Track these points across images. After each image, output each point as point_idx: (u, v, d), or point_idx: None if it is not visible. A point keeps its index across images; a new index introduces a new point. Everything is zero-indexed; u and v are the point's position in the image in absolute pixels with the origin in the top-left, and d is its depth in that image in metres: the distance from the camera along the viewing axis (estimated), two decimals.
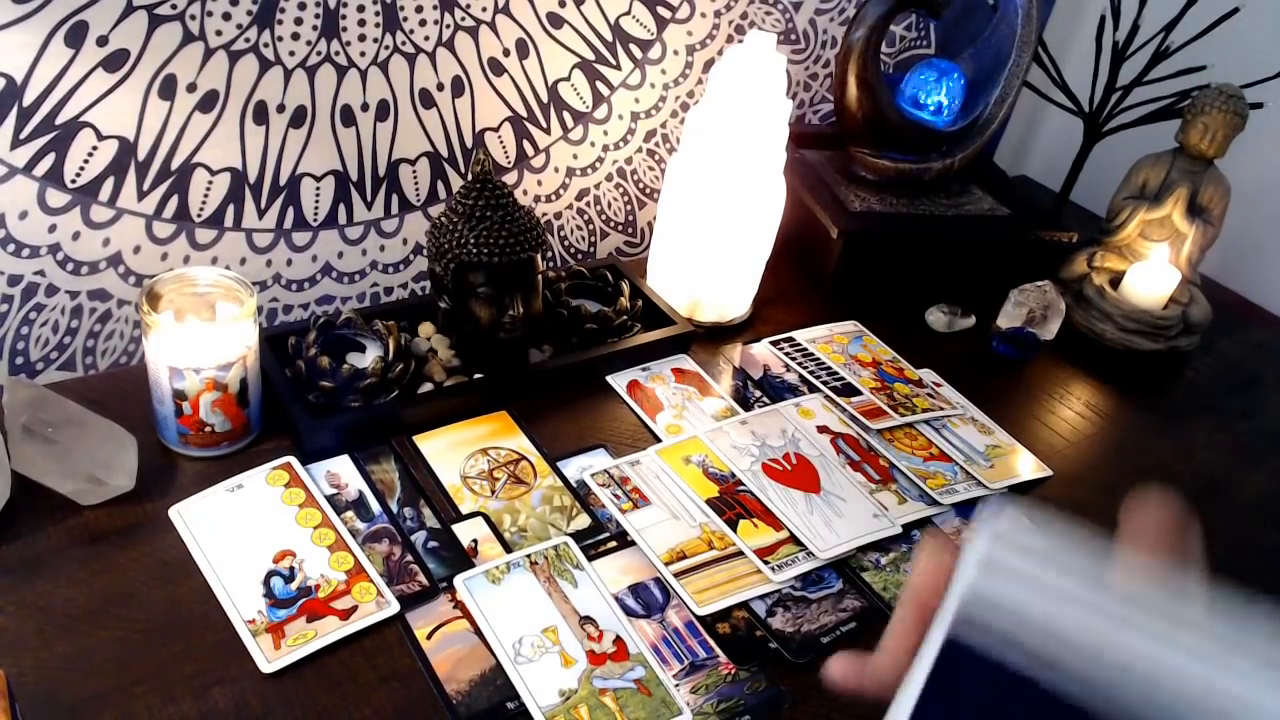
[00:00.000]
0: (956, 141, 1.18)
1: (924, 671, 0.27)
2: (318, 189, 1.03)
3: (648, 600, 0.77)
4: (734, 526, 0.83)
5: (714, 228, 1.01)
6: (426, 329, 0.96)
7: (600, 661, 0.71)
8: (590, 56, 1.12)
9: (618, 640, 0.73)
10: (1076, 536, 0.28)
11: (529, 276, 0.88)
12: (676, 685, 0.71)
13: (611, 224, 1.26)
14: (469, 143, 1.10)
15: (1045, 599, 0.26)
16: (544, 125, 1.14)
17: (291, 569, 0.74)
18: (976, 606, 0.27)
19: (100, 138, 0.89)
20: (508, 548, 0.79)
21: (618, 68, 1.15)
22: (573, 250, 1.25)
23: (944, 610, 0.27)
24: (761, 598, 0.78)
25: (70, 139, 0.88)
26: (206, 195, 0.97)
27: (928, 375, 1.06)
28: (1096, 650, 0.26)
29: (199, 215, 0.98)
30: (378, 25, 0.97)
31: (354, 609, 0.72)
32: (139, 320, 0.88)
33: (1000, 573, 0.27)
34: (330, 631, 0.70)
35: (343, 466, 0.83)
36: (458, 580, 0.75)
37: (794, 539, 0.83)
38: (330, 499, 0.80)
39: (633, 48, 1.14)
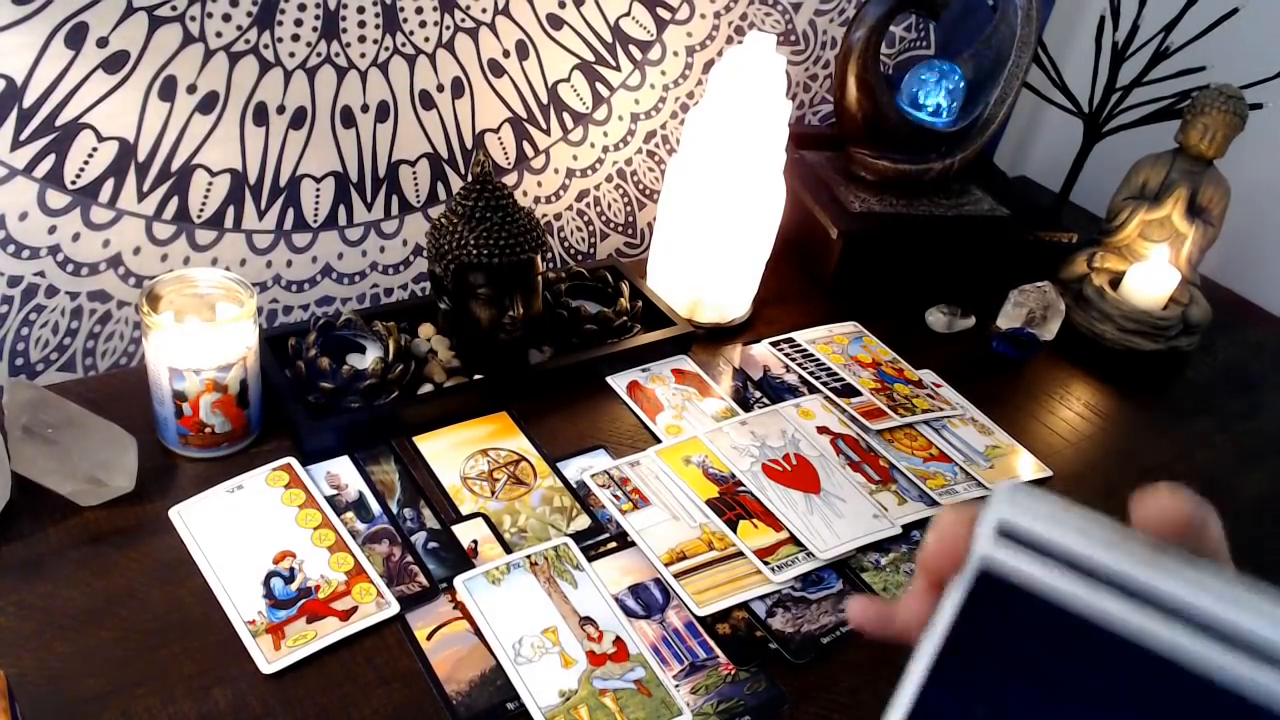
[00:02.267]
0: (956, 142, 1.18)
1: (954, 606, 0.27)
2: (318, 190, 1.03)
3: (648, 601, 0.77)
4: (734, 527, 0.83)
5: (714, 228, 1.01)
6: (426, 330, 0.96)
7: (600, 662, 0.71)
8: (590, 58, 1.12)
9: (618, 641, 0.73)
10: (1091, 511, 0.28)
11: (529, 277, 0.88)
12: (676, 686, 0.71)
13: (611, 225, 1.26)
14: (469, 144, 1.10)
15: (1072, 539, 0.26)
16: (544, 126, 1.14)
17: (291, 570, 0.74)
18: (1005, 543, 0.26)
19: (100, 139, 0.89)
20: (508, 548, 0.79)
21: (617, 69, 1.15)
22: (572, 251, 1.25)
23: (972, 551, 0.27)
24: (761, 598, 0.78)
25: (70, 140, 0.88)
26: (206, 196, 0.97)
27: (928, 376, 1.06)
28: (1131, 580, 0.26)
29: (199, 216, 0.98)
30: (378, 27, 0.97)
31: (354, 610, 0.72)
32: (139, 321, 0.88)
33: (1025, 517, 0.27)
34: (330, 632, 0.70)
35: (343, 467, 0.83)
36: (458, 581, 0.75)
37: (794, 539, 0.83)
38: (330, 500, 0.80)
39: (632, 49, 1.15)
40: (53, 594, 0.70)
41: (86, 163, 0.90)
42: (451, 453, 0.87)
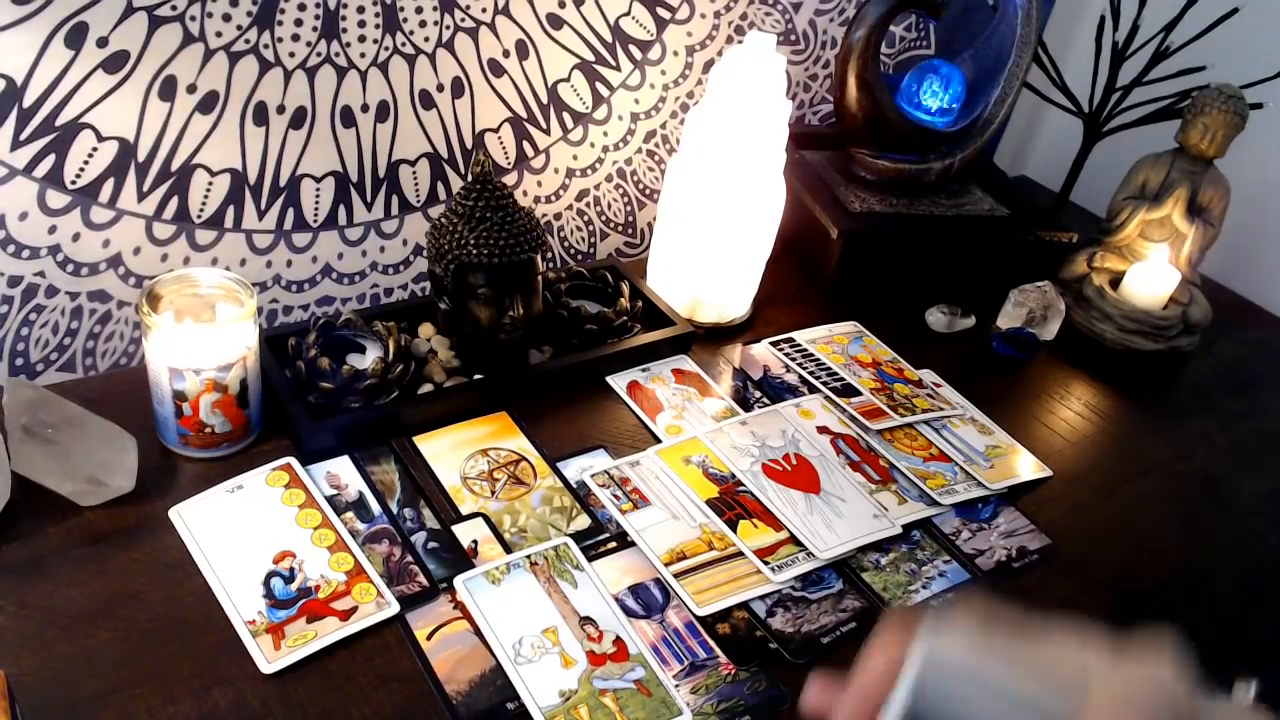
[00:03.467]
0: (956, 142, 1.18)
1: None
2: (318, 190, 1.03)
3: (648, 601, 0.77)
4: (734, 527, 0.83)
5: (714, 228, 1.01)
6: (427, 330, 0.96)
7: (600, 662, 0.71)
8: (590, 57, 1.12)
9: (618, 641, 0.73)
10: (1006, 640, 0.29)
11: (529, 277, 0.88)
12: (676, 685, 0.71)
13: (611, 225, 1.26)
14: (469, 144, 1.10)
15: (985, 692, 0.28)
16: (544, 126, 1.14)
17: (291, 570, 0.74)
18: (929, 684, 0.29)
19: (100, 139, 0.89)
20: (508, 548, 0.79)
21: (617, 68, 1.15)
22: (573, 251, 1.25)
23: (898, 690, 0.29)
24: (761, 598, 0.78)
25: (70, 140, 0.88)
26: (206, 196, 0.97)
27: (928, 375, 1.06)
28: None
29: (199, 216, 0.98)
30: (378, 26, 0.97)
31: (354, 610, 0.72)
32: (139, 321, 0.88)
33: (945, 663, 0.29)
34: (330, 632, 0.70)
35: (343, 467, 0.83)
36: (458, 581, 0.75)
37: (794, 539, 0.83)
38: (330, 500, 0.80)
39: (632, 48, 1.15)
40: (53, 594, 0.70)
41: (86, 163, 0.90)
42: (451, 453, 0.87)
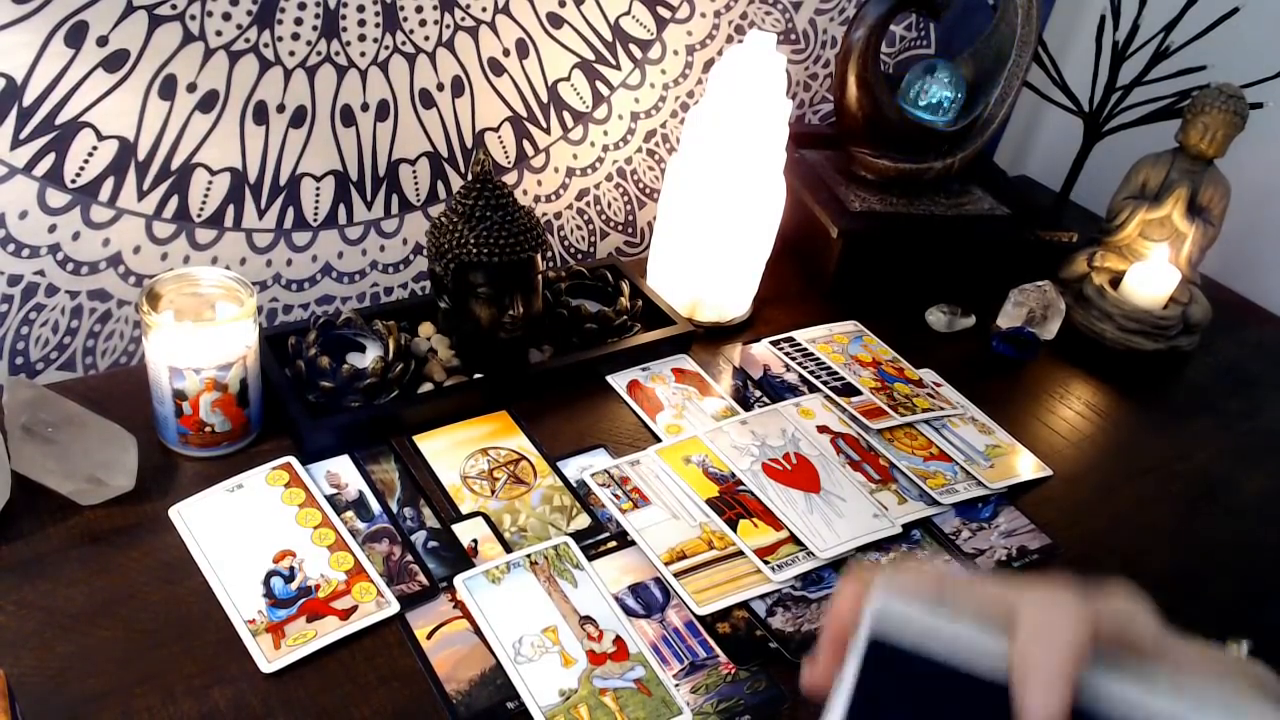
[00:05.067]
0: (956, 141, 1.18)
1: (852, 670, 0.30)
2: (318, 189, 1.03)
3: (648, 600, 0.77)
4: (734, 526, 0.83)
5: (714, 228, 1.01)
6: (426, 329, 0.96)
7: (600, 661, 0.71)
8: (590, 56, 1.12)
9: (618, 640, 0.73)
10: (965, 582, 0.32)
11: (529, 276, 0.88)
12: (676, 685, 0.71)
13: (611, 224, 1.26)
14: (469, 143, 1.10)
15: (940, 618, 0.30)
16: (544, 125, 1.14)
17: (291, 569, 0.74)
18: (891, 611, 0.30)
19: (100, 138, 0.89)
20: (508, 548, 0.79)
21: (618, 68, 1.15)
22: (573, 250, 1.25)
23: (861, 626, 0.31)
24: (761, 597, 0.78)
25: (70, 139, 0.88)
26: (206, 195, 0.97)
27: (928, 375, 1.06)
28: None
29: (199, 215, 0.98)
30: (378, 25, 0.97)
31: (354, 609, 0.72)
32: (139, 320, 0.88)
33: (903, 598, 0.31)
34: (330, 631, 0.70)
35: (343, 466, 0.83)
36: (458, 580, 0.75)
37: (794, 539, 0.83)
38: (330, 499, 0.80)
39: (632, 48, 1.14)
40: (53, 593, 0.70)
41: (86, 161, 0.90)
42: (451, 452, 0.87)
